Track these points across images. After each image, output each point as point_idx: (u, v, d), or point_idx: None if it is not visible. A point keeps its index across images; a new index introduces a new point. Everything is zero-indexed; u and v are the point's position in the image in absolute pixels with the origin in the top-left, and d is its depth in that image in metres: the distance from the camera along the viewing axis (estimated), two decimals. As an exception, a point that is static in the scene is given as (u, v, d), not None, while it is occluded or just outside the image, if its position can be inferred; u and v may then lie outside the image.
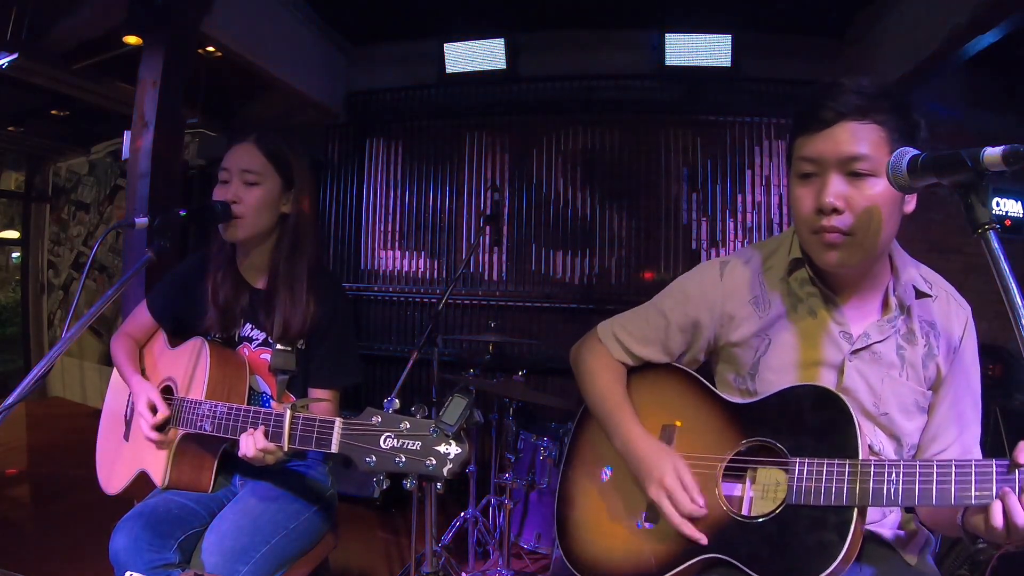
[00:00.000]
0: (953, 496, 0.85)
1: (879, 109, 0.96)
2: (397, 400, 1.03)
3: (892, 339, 1.07)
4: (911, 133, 0.98)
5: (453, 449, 0.96)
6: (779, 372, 1.10)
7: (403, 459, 0.98)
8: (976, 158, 0.81)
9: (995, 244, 0.82)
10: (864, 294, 1.09)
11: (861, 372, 1.07)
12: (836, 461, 0.94)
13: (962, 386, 1.08)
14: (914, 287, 1.08)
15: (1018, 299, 0.80)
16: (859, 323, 1.08)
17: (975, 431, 1.10)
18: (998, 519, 0.80)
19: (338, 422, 1.05)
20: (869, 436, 1.05)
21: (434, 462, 0.96)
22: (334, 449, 1.05)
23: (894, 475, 0.89)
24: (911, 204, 1.03)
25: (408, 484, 0.99)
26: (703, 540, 1.01)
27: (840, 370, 1.07)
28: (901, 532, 1.12)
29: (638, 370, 1.26)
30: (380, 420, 1.01)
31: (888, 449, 1.08)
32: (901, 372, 1.07)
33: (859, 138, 0.95)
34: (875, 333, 1.07)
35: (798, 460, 0.97)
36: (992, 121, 3.51)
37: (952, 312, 1.10)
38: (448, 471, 0.95)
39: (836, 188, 0.97)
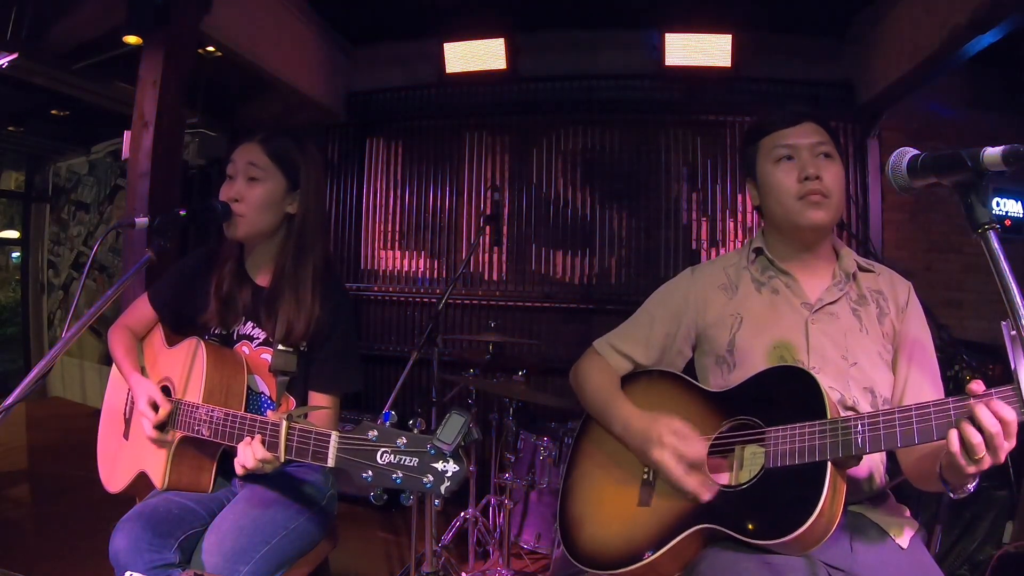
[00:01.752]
0: (916, 435, 0.91)
1: (821, 118, 1.29)
2: (394, 413, 1.02)
3: (845, 302, 1.26)
4: (837, 139, 1.30)
5: (451, 467, 0.95)
6: (753, 342, 1.25)
7: (400, 476, 0.97)
8: (976, 158, 0.82)
9: (995, 244, 0.83)
10: (815, 271, 1.30)
11: (824, 332, 1.23)
12: (807, 423, 1.03)
13: (916, 338, 1.23)
14: (856, 261, 1.30)
15: (1018, 299, 0.80)
16: (814, 292, 1.27)
17: (938, 383, 1.22)
18: (954, 444, 0.87)
19: (334, 436, 1.04)
20: (841, 392, 1.18)
21: (431, 479, 0.95)
22: (330, 463, 1.03)
23: (859, 426, 0.97)
24: None
25: (406, 500, 0.99)
26: (706, 495, 1.09)
27: (805, 332, 1.23)
28: (891, 514, 1.17)
29: (629, 380, 1.37)
30: (377, 435, 0.99)
31: (864, 403, 1.18)
32: (861, 328, 1.23)
33: (819, 132, 1.26)
34: (828, 296, 1.26)
35: (772, 428, 1.07)
36: (992, 121, 3.51)
37: (896, 283, 1.30)
38: (446, 489, 0.94)
39: (813, 162, 1.23)
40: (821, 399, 1.04)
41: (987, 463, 0.86)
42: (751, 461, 1.11)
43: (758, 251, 1.33)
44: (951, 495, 0.96)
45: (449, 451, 0.95)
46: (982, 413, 0.85)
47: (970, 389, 0.89)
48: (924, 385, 1.20)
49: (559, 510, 1.32)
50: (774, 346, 1.22)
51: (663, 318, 1.37)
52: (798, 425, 1.03)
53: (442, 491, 0.95)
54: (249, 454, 1.15)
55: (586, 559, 1.19)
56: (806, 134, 1.25)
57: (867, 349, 1.21)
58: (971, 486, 0.93)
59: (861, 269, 1.29)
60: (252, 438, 1.16)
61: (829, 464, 0.98)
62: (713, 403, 1.21)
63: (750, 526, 1.01)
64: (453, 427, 0.96)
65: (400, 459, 0.97)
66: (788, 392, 1.10)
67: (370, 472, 0.99)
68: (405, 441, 0.98)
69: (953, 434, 0.87)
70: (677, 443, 1.13)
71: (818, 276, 1.29)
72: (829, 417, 1.02)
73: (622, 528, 1.18)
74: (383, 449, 0.99)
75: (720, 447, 1.15)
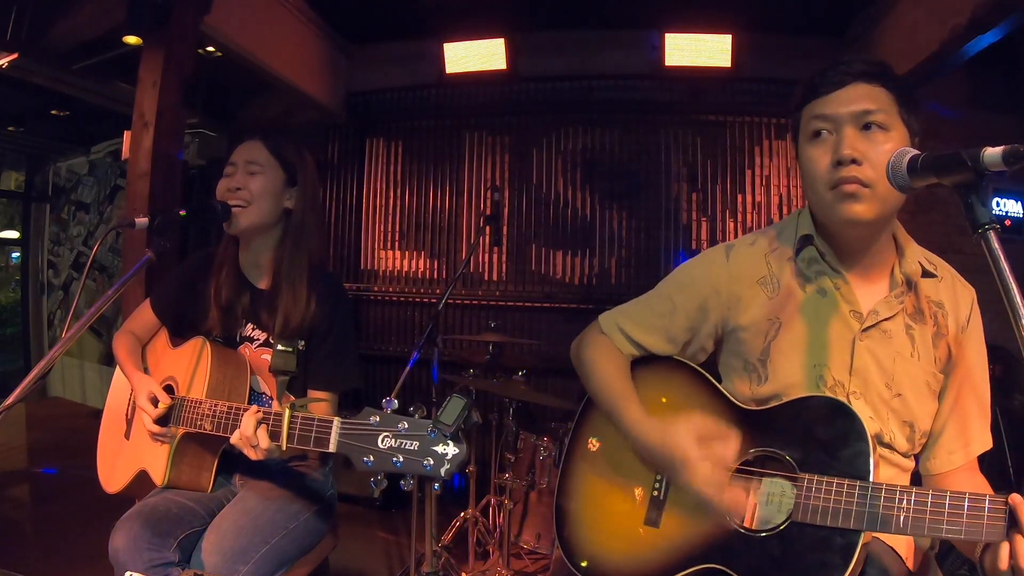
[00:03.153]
0: (963, 531, 0.84)
1: (886, 75, 1.01)
2: (395, 400, 1.02)
3: (900, 317, 1.07)
4: (915, 105, 1.02)
5: (451, 449, 0.95)
6: (790, 355, 1.09)
7: (401, 459, 0.97)
8: (976, 158, 0.81)
9: (995, 244, 0.82)
10: (872, 271, 1.09)
11: (872, 351, 1.06)
12: (847, 481, 0.92)
13: (971, 368, 1.08)
14: (920, 264, 1.09)
15: (1018, 299, 0.80)
16: (868, 301, 1.08)
17: (986, 415, 1.09)
18: (1004, 561, 0.79)
19: (336, 421, 1.05)
20: (880, 425, 1.05)
21: (432, 462, 0.96)
22: (332, 449, 1.04)
23: (904, 503, 0.88)
24: None
25: (406, 485, 0.99)
26: (746, 505, 1.00)
27: (851, 351, 1.06)
28: (903, 536, 1.10)
29: (642, 366, 1.23)
30: (378, 420, 1.00)
31: (900, 438, 1.06)
32: (912, 353, 1.06)
33: (871, 96, 0.99)
34: (884, 310, 1.06)
35: (807, 476, 0.95)
36: (992, 121, 3.51)
37: (959, 293, 1.10)
38: (446, 472, 0.95)
39: (852, 140, 0.98)
40: (867, 454, 0.93)
41: None
42: (774, 499, 1.00)
43: (806, 239, 1.11)
44: None
45: (449, 433, 0.95)
46: None
47: None
48: (969, 422, 1.08)
49: (556, 506, 1.23)
50: (814, 364, 1.07)
51: (686, 308, 1.18)
52: (836, 481, 0.92)
53: (442, 473, 0.95)
54: (251, 424, 1.14)
55: (585, 571, 1.14)
56: (850, 100, 0.99)
57: (914, 379, 1.06)
58: None
59: (924, 274, 1.09)
60: (256, 411, 1.16)
61: (862, 533, 0.89)
62: (740, 422, 1.06)
63: None
64: (453, 409, 0.96)
65: (401, 443, 0.98)
66: (831, 435, 0.97)
67: (371, 457, 0.99)
68: (406, 425, 0.99)
69: (1004, 549, 0.79)
70: (707, 456, 1.00)
71: (873, 279, 1.09)
72: (872, 478, 0.91)
73: (627, 546, 1.10)
74: (384, 433, 0.99)
75: (741, 475, 1.04)
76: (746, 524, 1.01)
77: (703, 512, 1.03)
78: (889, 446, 1.07)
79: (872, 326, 1.06)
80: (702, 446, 1.01)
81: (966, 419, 1.08)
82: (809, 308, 1.09)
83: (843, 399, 1.01)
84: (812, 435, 0.99)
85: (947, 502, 0.85)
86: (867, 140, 0.99)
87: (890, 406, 1.06)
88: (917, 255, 1.10)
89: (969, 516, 0.83)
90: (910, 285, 1.08)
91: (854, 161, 0.98)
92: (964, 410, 1.08)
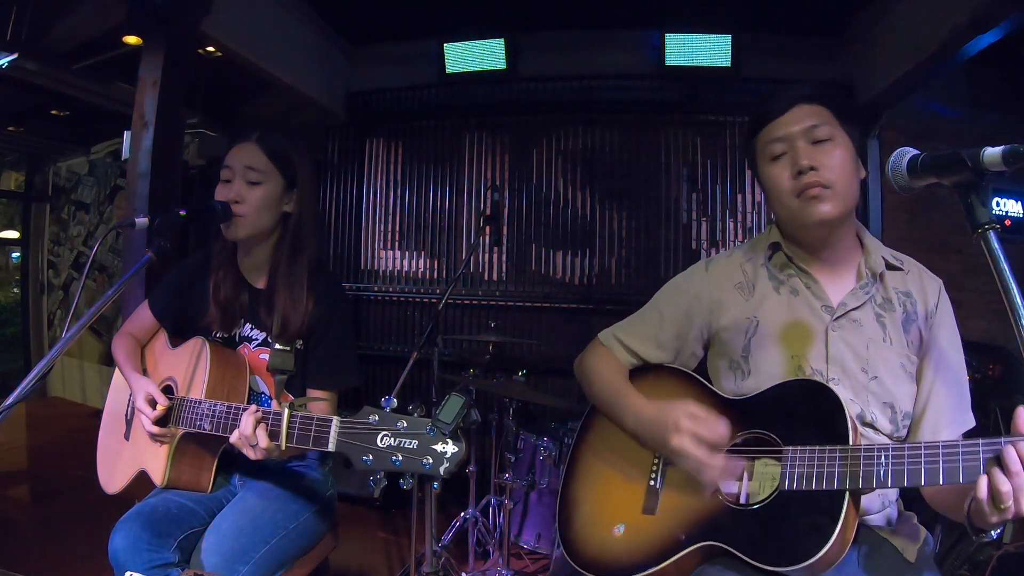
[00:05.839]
0: (942, 475, 0.87)
1: (823, 95, 1.16)
2: (395, 399, 1.02)
3: (869, 306, 1.16)
4: (852, 116, 1.17)
5: (450, 448, 0.95)
6: (769, 349, 1.18)
7: (400, 458, 0.97)
8: (976, 158, 0.81)
9: (995, 244, 0.83)
10: (838, 270, 1.20)
11: (845, 340, 1.14)
12: (827, 447, 0.98)
13: (944, 349, 1.15)
14: (884, 258, 1.19)
15: (1018, 299, 0.80)
16: (837, 294, 1.18)
17: (964, 394, 1.14)
18: (983, 491, 0.82)
19: (335, 420, 1.05)
20: (860, 407, 1.12)
21: (431, 461, 0.96)
22: (331, 447, 1.04)
23: (883, 458, 0.92)
24: (862, 171, 1.18)
25: (405, 484, 0.99)
26: (738, 469, 1.06)
27: (825, 340, 1.14)
28: (899, 528, 1.14)
29: (638, 374, 1.32)
30: (377, 419, 1.01)
31: (882, 419, 1.12)
32: (885, 338, 1.15)
33: (813, 113, 1.14)
34: (851, 300, 1.16)
35: (790, 448, 1.01)
36: (992, 121, 3.51)
37: (925, 282, 1.20)
38: (445, 470, 0.95)
39: (807, 152, 1.12)
40: (845, 422, 0.99)
41: (1011, 513, 0.81)
42: (764, 477, 1.06)
43: (775, 246, 1.24)
44: (973, 537, 0.91)
45: (448, 431, 0.96)
46: (1008, 454, 0.81)
47: (1014, 425, 0.84)
48: (948, 401, 1.13)
49: (559, 507, 1.27)
50: (792, 356, 1.16)
51: (673, 317, 1.29)
52: (818, 448, 0.98)
53: (441, 472, 0.95)
54: (250, 423, 1.14)
55: (586, 564, 1.16)
56: (798, 120, 1.13)
57: (889, 362, 1.13)
58: (995, 533, 0.88)
59: (889, 267, 1.19)
60: (256, 410, 1.16)
61: (847, 493, 0.94)
62: (727, 411, 1.13)
63: (761, 549, 0.97)
64: (452, 407, 0.97)
65: (400, 442, 0.98)
66: (810, 410, 1.04)
67: (370, 456, 0.99)
68: (405, 424, 0.99)
69: (982, 480, 0.83)
70: (695, 427, 1.06)
71: (841, 275, 1.19)
72: (852, 443, 0.97)
73: (628, 536, 1.14)
74: (383, 432, 1.00)
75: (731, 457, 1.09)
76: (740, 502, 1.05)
77: (696, 493, 1.08)
78: (871, 426, 1.12)
79: (842, 316, 1.15)
80: (694, 422, 1.07)
81: (946, 399, 1.13)
82: (783, 306, 1.20)
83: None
84: (793, 414, 1.06)
85: (923, 451, 0.89)
86: (818, 151, 1.12)
87: (868, 389, 1.13)
88: (880, 251, 1.20)
89: (945, 461, 0.87)
90: (876, 278, 1.18)
91: (812, 168, 1.10)
92: (943, 391, 1.13)
